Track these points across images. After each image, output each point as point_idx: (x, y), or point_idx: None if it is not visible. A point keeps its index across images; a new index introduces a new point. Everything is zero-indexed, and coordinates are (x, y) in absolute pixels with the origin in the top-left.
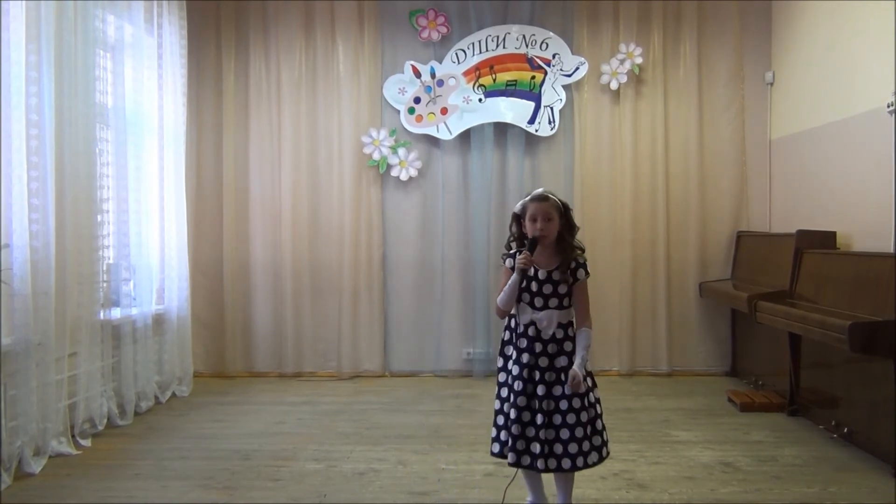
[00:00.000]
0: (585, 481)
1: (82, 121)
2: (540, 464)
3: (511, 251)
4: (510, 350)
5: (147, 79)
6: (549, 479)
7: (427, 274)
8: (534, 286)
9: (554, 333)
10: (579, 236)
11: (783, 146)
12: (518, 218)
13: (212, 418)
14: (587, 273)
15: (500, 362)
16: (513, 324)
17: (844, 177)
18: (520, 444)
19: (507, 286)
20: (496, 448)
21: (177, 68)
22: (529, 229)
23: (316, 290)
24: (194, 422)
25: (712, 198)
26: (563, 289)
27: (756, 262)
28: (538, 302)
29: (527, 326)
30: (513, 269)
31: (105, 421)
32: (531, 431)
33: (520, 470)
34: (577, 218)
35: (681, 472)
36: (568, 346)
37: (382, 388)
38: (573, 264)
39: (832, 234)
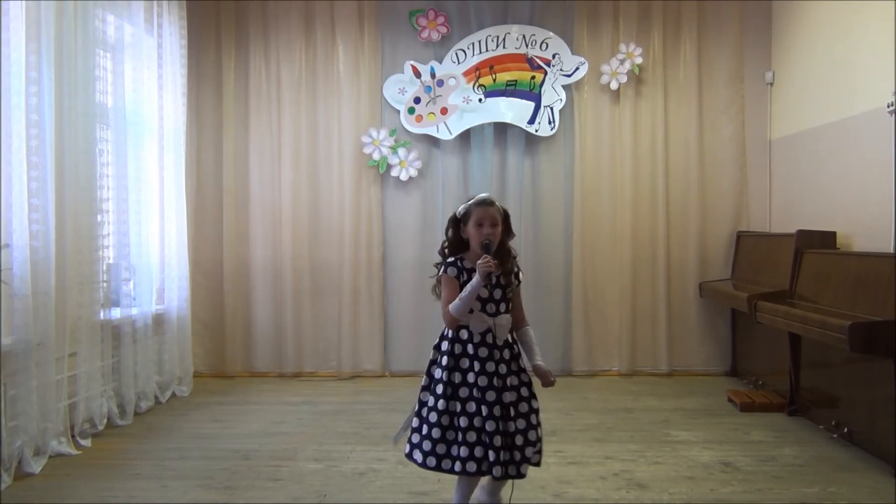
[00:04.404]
0: (585, 481)
1: (82, 121)
2: (523, 469)
3: (448, 259)
4: (466, 363)
5: (147, 79)
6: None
7: (427, 274)
8: (484, 292)
9: (507, 338)
10: (581, 232)
11: (783, 146)
12: (457, 222)
13: (212, 418)
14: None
15: (449, 376)
16: (464, 335)
17: (844, 177)
18: (499, 455)
19: (465, 293)
20: (471, 466)
21: (177, 68)
22: (474, 234)
23: (316, 290)
24: (194, 422)
25: (712, 198)
26: (509, 293)
27: (756, 262)
28: (491, 308)
29: (483, 335)
30: (457, 276)
31: (105, 421)
32: (507, 441)
33: (462, 482)
34: (577, 218)
35: (681, 472)
36: (515, 348)
37: (382, 388)
38: (516, 269)
39: (832, 234)
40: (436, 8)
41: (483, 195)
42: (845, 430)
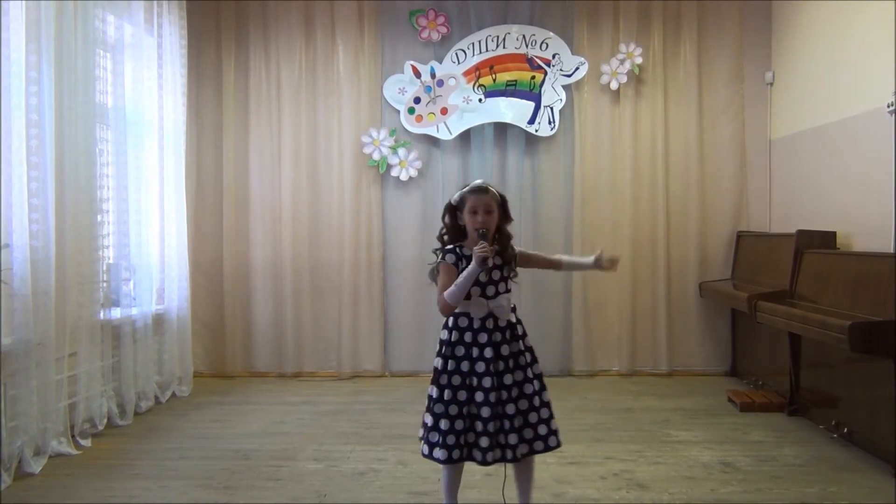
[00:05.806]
0: (585, 481)
1: (82, 121)
2: (520, 451)
3: (447, 246)
4: (461, 350)
5: (147, 79)
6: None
7: (427, 273)
8: (482, 276)
9: (509, 319)
10: (582, 234)
11: (783, 146)
12: (453, 209)
13: (212, 418)
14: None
15: (449, 364)
16: (463, 322)
17: (844, 177)
18: (493, 441)
19: (461, 280)
20: (448, 454)
21: (177, 68)
22: (469, 221)
23: (316, 290)
24: (194, 422)
25: (712, 198)
26: (506, 271)
27: (756, 262)
28: (490, 291)
29: (483, 320)
30: (455, 264)
31: (105, 421)
32: (506, 424)
33: (446, 470)
34: (578, 218)
35: (681, 472)
36: (518, 329)
37: (382, 388)
38: (511, 250)
39: (832, 234)
40: (436, 8)
41: (478, 182)
42: (845, 430)
